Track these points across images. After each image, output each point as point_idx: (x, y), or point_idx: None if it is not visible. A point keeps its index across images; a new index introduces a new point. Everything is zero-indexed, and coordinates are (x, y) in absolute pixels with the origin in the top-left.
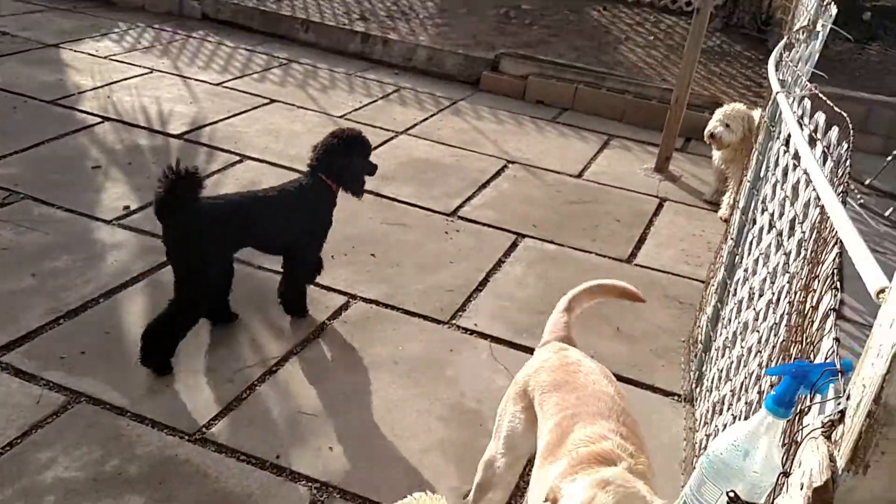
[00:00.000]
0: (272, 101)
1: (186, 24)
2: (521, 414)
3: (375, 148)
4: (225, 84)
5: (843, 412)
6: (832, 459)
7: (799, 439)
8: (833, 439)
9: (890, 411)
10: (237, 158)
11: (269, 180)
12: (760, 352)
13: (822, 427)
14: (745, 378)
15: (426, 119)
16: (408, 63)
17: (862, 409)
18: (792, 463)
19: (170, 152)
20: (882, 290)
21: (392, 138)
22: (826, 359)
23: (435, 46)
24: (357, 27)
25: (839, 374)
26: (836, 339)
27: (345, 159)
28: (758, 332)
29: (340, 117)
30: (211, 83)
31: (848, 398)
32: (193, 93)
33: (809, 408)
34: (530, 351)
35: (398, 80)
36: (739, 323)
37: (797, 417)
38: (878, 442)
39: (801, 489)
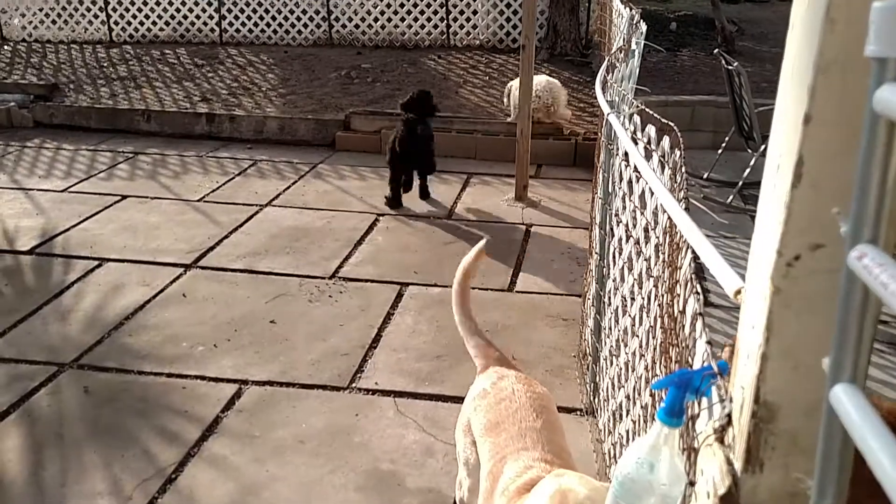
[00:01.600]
0: (124, 196)
1: (18, 133)
2: (471, 447)
3: (241, 225)
4: (71, 189)
5: (729, 415)
6: (730, 463)
7: (696, 446)
8: (726, 442)
9: (770, 408)
10: (96, 263)
11: (133, 279)
12: (644, 355)
13: (715, 433)
14: (636, 382)
15: (288, 187)
16: (259, 136)
17: (746, 410)
18: (694, 471)
19: (22, 271)
20: (738, 291)
21: (257, 212)
22: (703, 362)
23: (284, 116)
24: (200, 108)
25: (719, 376)
26: (709, 342)
27: (423, 103)
28: (637, 336)
29: (199, 200)
30: (56, 190)
31: (731, 401)
32: (38, 204)
33: (699, 413)
34: (437, 398)
35: (252, 153)
36: (619, 330)
37: (690, 423)
38: (766, 438)
39: (708, 497)
